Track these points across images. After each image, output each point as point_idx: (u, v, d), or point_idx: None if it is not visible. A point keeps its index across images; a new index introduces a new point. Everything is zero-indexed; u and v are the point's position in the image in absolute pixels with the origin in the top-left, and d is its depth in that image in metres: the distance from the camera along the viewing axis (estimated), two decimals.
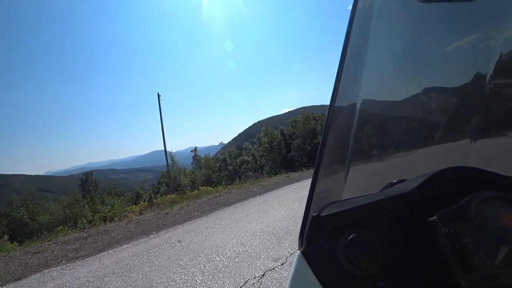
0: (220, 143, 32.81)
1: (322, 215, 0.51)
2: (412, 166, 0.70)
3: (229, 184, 14.65)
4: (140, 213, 8.36)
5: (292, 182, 10.31)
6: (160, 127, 19.20)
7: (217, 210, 7.33)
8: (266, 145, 26.24)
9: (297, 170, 15.46)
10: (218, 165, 29.50)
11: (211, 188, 12.05)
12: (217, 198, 9.21)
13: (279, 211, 6.15)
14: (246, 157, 30.48)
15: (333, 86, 0.56)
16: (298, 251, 0.51)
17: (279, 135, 28.11)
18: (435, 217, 0.48)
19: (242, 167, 29.24)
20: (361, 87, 0.62)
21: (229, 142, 37.21)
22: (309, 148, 24.95)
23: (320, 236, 0.50)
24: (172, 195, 11.97)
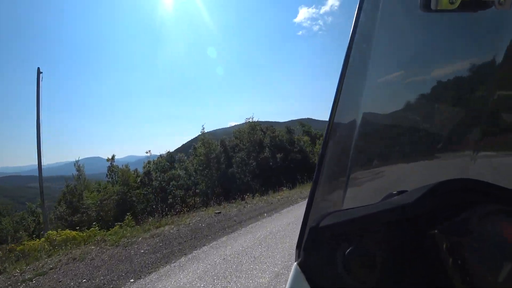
0: (147, 153, 26.17)
1: (320, 225, 0.50)
2: (413, 177, 0.70)
3: (114, 223, 8.57)
4: None
5: (223, 232, 5.48)
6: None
7: None
8: (202, 158, 21.08)
9: (237, 198, 10.68)
10: (139, 180, 23.09)
11: (69, 232, 6.39)
12: (38, 281, 3.81)
13: None
14: (179, 171, 24.73)
15: (334, 95, 0.56)
16: (295, 263, 0.50)
17: (219, 146, 23.25)
18: (436, 230, 0.47)
19: (171, 184, 23.44)
20: (363, 97, 0.61)
21: (167, 154, 30.67)
22: (254, 163, 20.58)
23: (318, 248, 0.49)
24: None
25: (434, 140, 0.71)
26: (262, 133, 22.36)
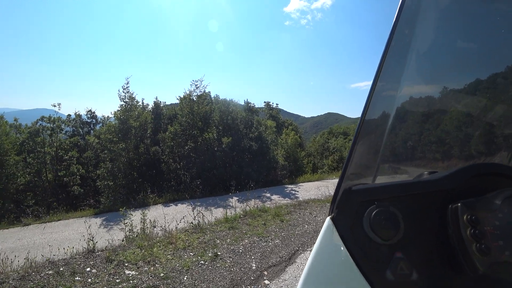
0: (54, 106, 18.04)
1: (353, 188, 0.57)
2: (446, 166, 0.71)
3: None
4: None
5: None
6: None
7: None
8: (117, 125, 14.22)
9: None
10: (20, 142, 15.65)
11: None
12: None
13: None
14: (92, 138, 17.50)
15: (373, 77, 0.58)
16: (328, 217, 0.57)
17: (150, 113, 16.51)
18: (459, 204, 0.52)
19: (70, 154, 16.37)
20: (401, 83, 0.62)
21: (88, 112, 21.61)
22: (191, 145, 14.28)
23: (349, 207, 0.56)
24: None
25: (470, 139, 0.71)
26: (210, 105, 15.98)
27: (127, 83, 14.67)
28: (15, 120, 17.46)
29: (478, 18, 0.64)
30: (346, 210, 0.56)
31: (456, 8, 0.63)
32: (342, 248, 0.53)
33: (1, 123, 14.84)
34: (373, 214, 0.52)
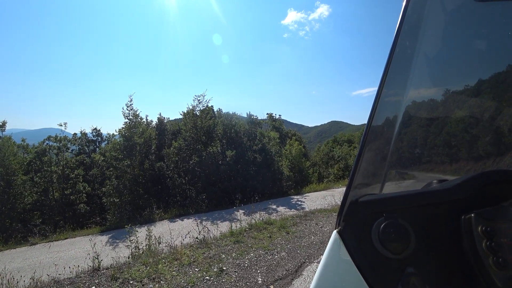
0: (60, 125, 18.27)
1: (360, 200, 0.55)
2: (455, 173, 0.69)
3: None
4: None
5: None
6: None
7: None
8: (122, 142, 14.34)
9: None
10: (27, 162, 15.82)
11: None
12: None
13: None
14: (98, 156, 17.63)
15: (379, 83, 0.57)
16: (335, 231, 0.55)
17: (154, 129, 16.66)
18: (472, 214, 0.49)
19: (76, 172, 16.38)
20: (407, 87, 0.61)
21: (93, 130, 21.84)
22: (196, 160, 14.31)
23: (356, 219, 0.54)
24: None
25: (478, 141, 0.70)
26: (213, 118, 16.09)
27: (131, 100, 14.88)
28: (23, 140, 17.69)
29: (483, 21, 0.63)
30: (353, 223, 0.53)
31: (460, 12, 0.63)
32: (350, 263, 0.51)
33: (9, 143, 15.04)
34: (381, 226, 0.50)
